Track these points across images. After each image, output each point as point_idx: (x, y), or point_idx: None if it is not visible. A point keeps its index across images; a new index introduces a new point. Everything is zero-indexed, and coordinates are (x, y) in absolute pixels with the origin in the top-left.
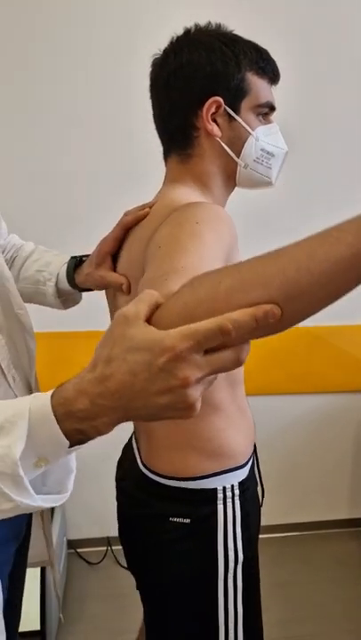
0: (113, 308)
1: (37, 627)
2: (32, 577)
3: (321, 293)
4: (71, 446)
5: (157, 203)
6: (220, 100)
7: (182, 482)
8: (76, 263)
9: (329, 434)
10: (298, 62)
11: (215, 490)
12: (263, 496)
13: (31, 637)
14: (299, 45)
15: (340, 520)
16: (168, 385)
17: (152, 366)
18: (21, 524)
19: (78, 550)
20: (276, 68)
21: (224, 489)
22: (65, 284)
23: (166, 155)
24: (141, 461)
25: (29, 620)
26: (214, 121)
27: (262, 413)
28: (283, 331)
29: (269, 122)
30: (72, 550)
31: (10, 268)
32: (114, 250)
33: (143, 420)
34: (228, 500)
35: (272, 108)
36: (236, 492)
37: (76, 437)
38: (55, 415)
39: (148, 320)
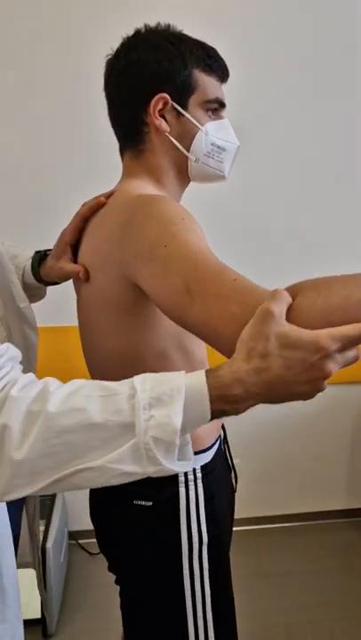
0: (78, 297)
1: (38, 615)
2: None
3: None
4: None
5: (115, 194)
6: (167, 96)
7: None
8: (41, 257)
9: (326, 424)
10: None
11: (176, 473)
12: (236, 482)
13: (32, 625)
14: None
15: (337, 511)
16: (313, 377)
17: (305, 362)
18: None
19: (79, 541)
20: (225, 65)
21: (185, 473)
22: (31, 279)
23: (122, 151)
24: None
25: (30, 608)
26: (163, 117)
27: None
28: None
29: (220, 117)
30: (73, 541)
31: None
32: (73, 240)
33: (270, 403)
34: (190, 483)
35: (222, 104)
36: (199, 474)
37: (216, 415)
38: (209, 396)
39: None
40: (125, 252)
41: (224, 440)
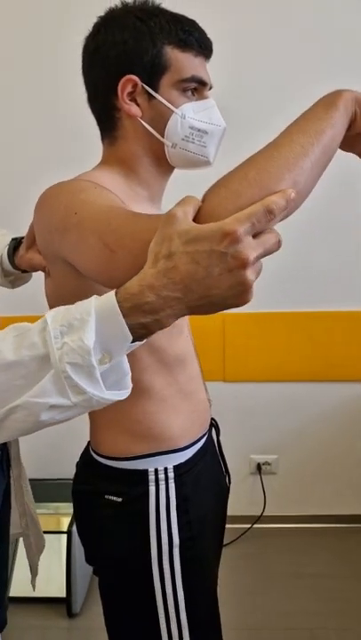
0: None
1: (63, 594)
2: (58, 544)
3: (321, 158)
4: (133, 342)
5: None
6: (135, 78)
7: (115, 461)
8: (16, 245)
9: None
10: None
11: (146, 471)
12: (230, 483)
13: (56, 604)
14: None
15: None
16: (228, 267)
17: (214, 252)
18: None
19: None
20: (204, 39)
21: (156, 471)
22: (8, 266)
23: (101, 138)
24: (89, 441)
25: (55, 586)
26: (134, 100)
27: (300, 400)
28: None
29: (203, 97)
30: None
31: None
32: None
33: (204, 312)
34: (161, 483)
35: (201, 83)
36: (171, 474)
37: (139, 332)
38: (121, 310)
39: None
40: (44, 231)
41: (217, 440)
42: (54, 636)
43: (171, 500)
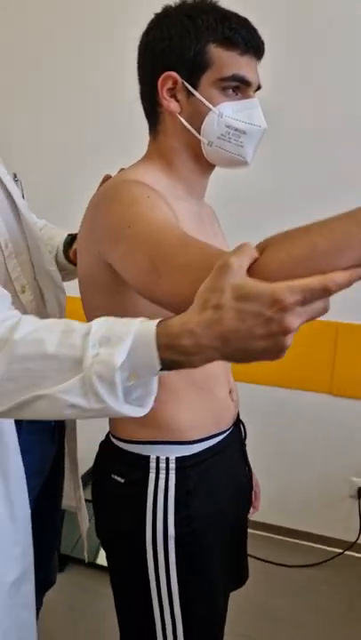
0: None
1: None
2: None
3: None
4: (162, 370)
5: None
6: (175, 74)
7: (122, 443)
8: (70, 240)
9: None
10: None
11: (148, 457)
12: (252, 487)
13: None
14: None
15: None
16: (270, 331)
17: (261, 315)
18: (45, 461)
19: None
20: (252, 37)
21: (157, 459)
22: (62, 259)
23: (149, 131)
24: None
25: None
26: (174, 97)
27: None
28: None
29: (247, 97)
30: None
31: None
32: None
33: (236, 361)
34: (162, 472)
35: (244, 82)
36: (172, 465)
37: (169, 365)
38: (157, 343)
39: (248, 272)
40: (95, 231)
41: (243, 440)
42: None
43: (169, 490)
